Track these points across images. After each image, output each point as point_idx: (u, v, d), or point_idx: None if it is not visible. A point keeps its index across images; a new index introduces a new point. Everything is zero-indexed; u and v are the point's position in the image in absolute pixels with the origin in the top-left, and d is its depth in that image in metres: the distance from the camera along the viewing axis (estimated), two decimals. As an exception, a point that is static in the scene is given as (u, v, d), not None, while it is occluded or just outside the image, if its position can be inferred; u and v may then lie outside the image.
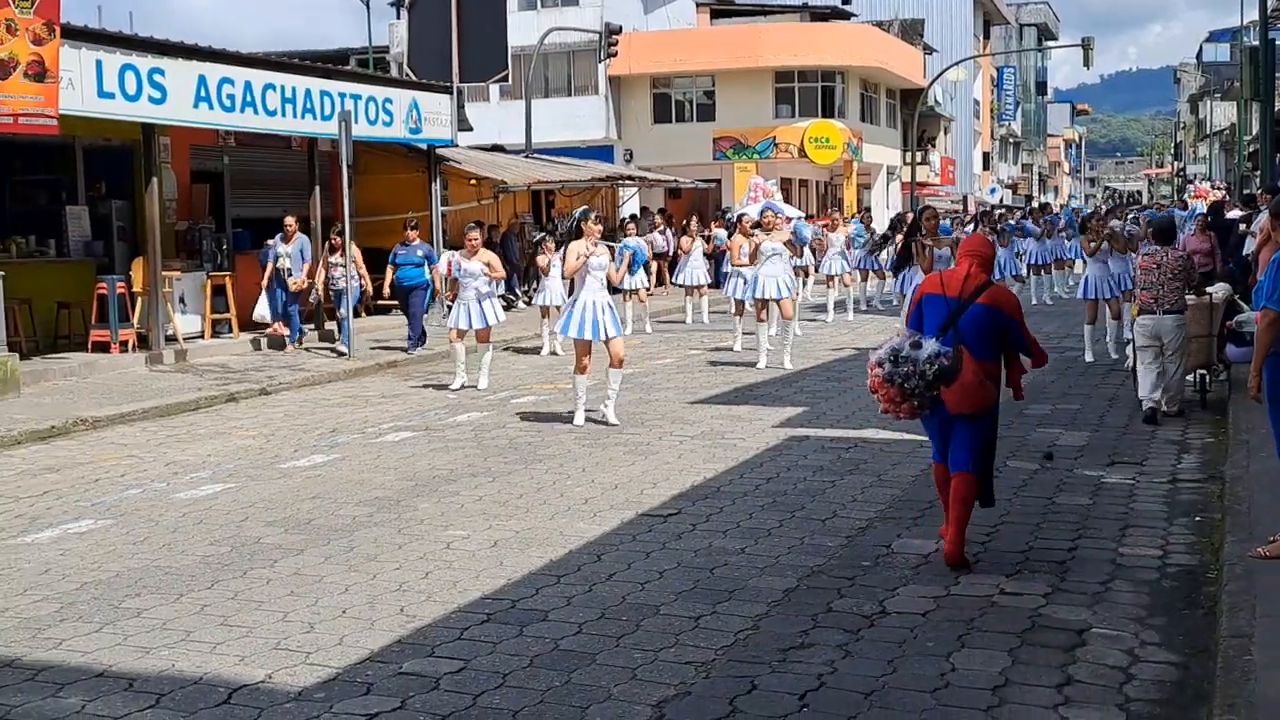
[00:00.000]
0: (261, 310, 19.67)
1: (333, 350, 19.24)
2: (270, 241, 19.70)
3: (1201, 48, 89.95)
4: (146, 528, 8.87)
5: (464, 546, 8.11)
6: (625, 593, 7.02)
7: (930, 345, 7.26)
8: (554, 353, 19.14)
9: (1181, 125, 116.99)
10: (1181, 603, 6.71)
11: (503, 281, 19.16)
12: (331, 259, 19.29)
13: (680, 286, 25.80)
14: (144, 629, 6.62)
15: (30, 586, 7.47)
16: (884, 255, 25.24)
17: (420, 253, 18.81)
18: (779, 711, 5.38)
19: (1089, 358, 16.71)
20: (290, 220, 19.70)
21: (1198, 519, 8.43)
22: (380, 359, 18.28)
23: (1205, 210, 24.12)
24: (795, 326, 20.58)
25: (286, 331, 19.70)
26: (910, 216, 19.73)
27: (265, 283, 19.50)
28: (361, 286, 19.38)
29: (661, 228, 31.83)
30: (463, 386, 15.56)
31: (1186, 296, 12.19)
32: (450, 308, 17.22)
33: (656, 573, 7.40)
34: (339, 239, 19.05)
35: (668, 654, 6.06)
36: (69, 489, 10.31)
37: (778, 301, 16.93)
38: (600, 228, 13.08)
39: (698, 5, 50.14)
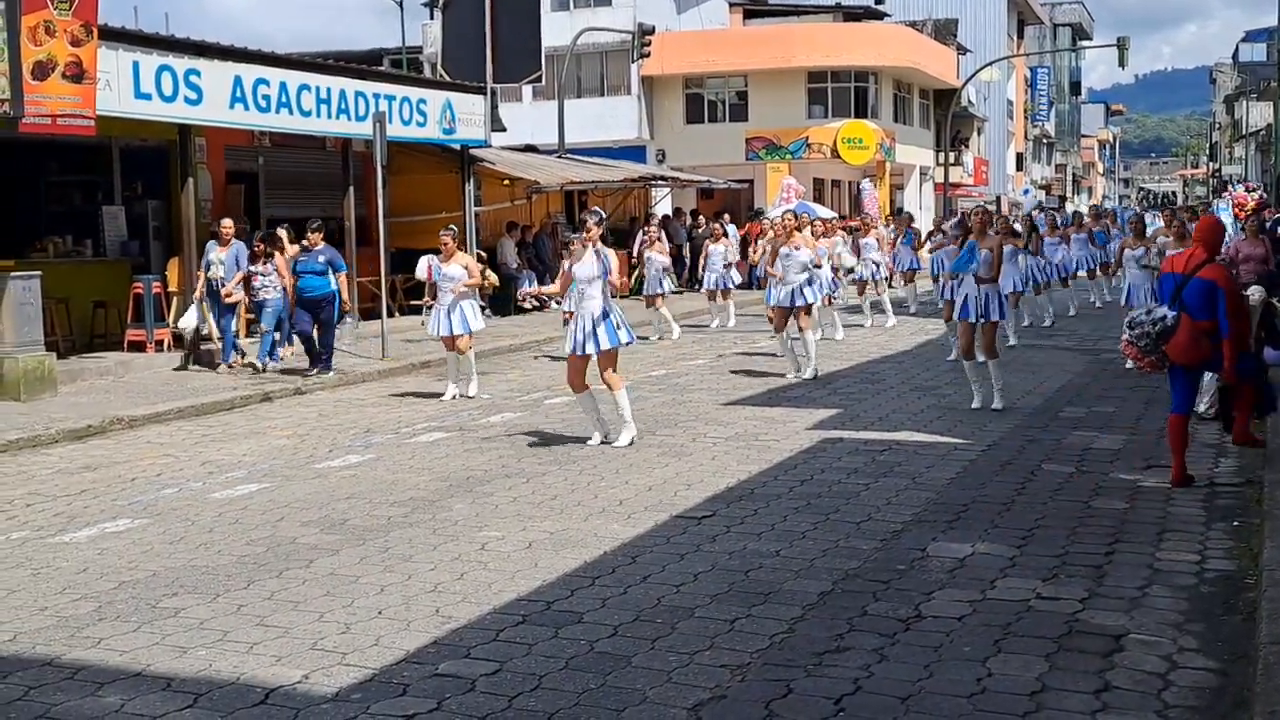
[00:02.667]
0: (186, 322, 17.35)
1: (252, 366, 17.13)
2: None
3: (1238, 47, 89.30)
4: (183, 527, 8.92)
5: (499, 548, 8.13)
6: (660, 595, 7.02)
7: (1159, 311, 9.23)
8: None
9: (1217, 125, 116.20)
10: (1220, 608, 6.66)
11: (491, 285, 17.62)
12: (253, 267, 17.01)
13: (701, 290, 25.06)
14: (181, 628, 6.65)
15: (68, 585, 7.52)
16: (925, 254, 24.73)
17: (322, 259, 16.20)
18: (814, 716, 5.37)
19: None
20: (227, 223, 17.57)
21: (1236, 524, 8.37)
22: (414, 359, 18.32)
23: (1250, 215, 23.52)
24: (815, 332, 20.34)
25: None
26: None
27: (198, 294, 17.35)
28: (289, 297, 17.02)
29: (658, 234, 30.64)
30: (455, 396, 14.92)
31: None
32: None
33: (691, 575, 7.39)
34: (262, 244, 17.12)
35: (703, 657, 6.05)
36: (106, 488, 10.38)
37: (796, 310, 15.95)
38: (598, 231, 11.77)
39: (730, 5, 50.06)
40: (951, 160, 51.45)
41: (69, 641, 6.49)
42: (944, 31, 55.83)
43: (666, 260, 22.47)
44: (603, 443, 11.66)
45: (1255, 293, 13.10)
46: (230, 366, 17.25)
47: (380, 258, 19.05)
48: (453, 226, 15.45)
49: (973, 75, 51.97)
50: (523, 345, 20.34)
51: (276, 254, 17.06)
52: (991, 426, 12.18)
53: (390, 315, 18.88)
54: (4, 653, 6.34)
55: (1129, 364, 10.10)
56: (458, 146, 24.49)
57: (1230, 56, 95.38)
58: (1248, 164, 79.75)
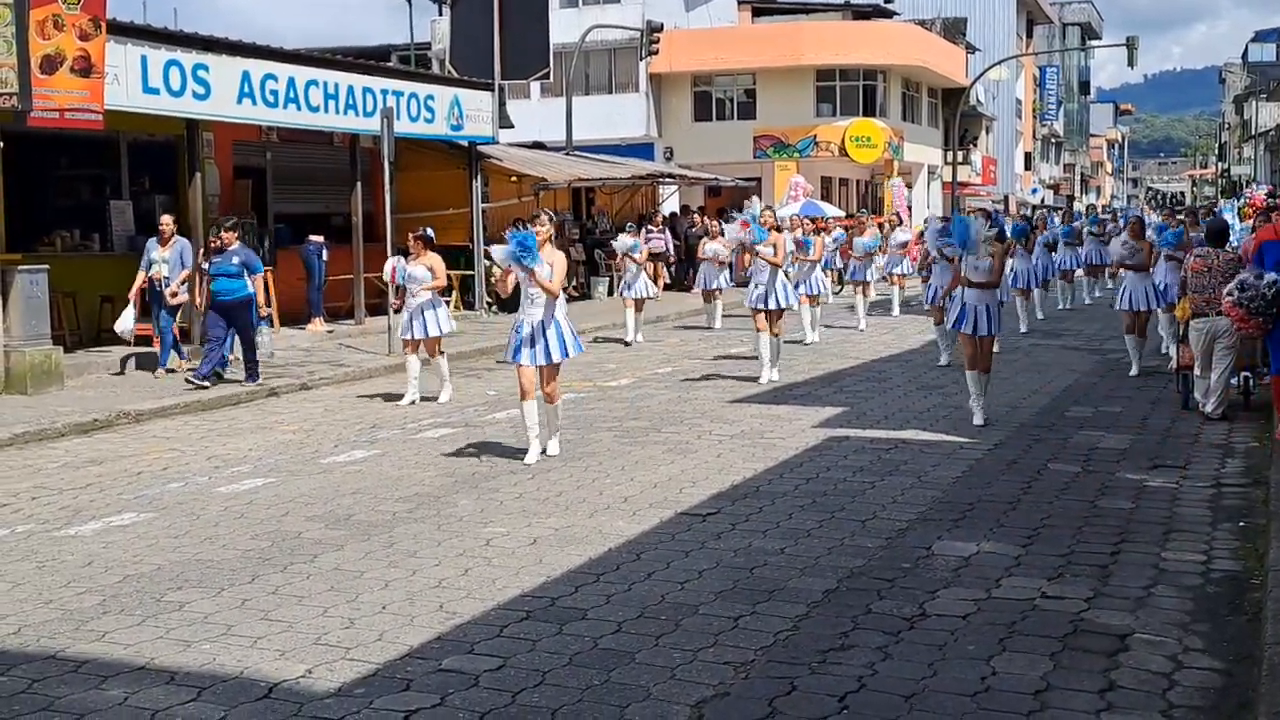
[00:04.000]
0: (124, 324, 16.29)
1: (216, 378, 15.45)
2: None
3: (1247, 47, 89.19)
4: (188, 521, 8.93)
5: (503, 544, 8.12)
6: (664, 592, 7.01)
7: (1270, 275, 9.84)
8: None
9: (1226, 126, 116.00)
10: (1225, 609, 6.65)
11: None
12: (206, 265, 15.83)
13: (700, 291, 24.27)
14: (185, 622, 6.66)
15: (73, 579, 7.53)
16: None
17: (236, 260, 15.16)
18: (818, 713, 5.36)
19: (1135, 370, 15.74)
20: (167, 219, 16.61)
21: (1242, 524, 8.35)
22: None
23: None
24: (814, 334, 20.03)
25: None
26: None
27: (134, 294, 16.43)
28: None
29: (660, 228, 31.00)
30: (414, 402, 14.30)
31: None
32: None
33: (696, 572, 7.39)
34: (216, 240, 15.75)
35: (707, 654, 6.05)
36: (111, 482, 10.39)
37: (767, 311, 15.24)
38: (548, 230, 10.86)
39: (739, 3, 50.01)
40: (960, 159, 51.40)
41: (73, 635, 6.49)
42: (953, 30, 55.75)
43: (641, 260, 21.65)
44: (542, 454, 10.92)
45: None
46: (170, 370, 16.24)
47: (387, 254, 19.01)
48: (425, 229, 14.91)
49: (981, 74, 51.92)
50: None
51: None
52: (998, 425, 12.16)
53: (397, 312, 18.83)
54: (9, 645, 6.35)
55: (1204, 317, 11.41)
56: (465, 143, 24.50)
57: (1240, 56, 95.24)
58: (1257, 164, 79.62)
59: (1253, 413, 12.51)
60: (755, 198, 15.30)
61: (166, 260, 16.33)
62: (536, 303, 10.72)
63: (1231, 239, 14.61)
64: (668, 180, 35.67)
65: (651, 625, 6.46)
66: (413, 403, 14.30)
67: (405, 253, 14.96)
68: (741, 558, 7.68)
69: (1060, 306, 25.63)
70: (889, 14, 52.15)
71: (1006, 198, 65.80)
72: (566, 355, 10.87)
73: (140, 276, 16.35)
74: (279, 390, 15.41)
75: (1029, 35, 73.72)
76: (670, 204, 37.73)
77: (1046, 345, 19.33)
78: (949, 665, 5.87)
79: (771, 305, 15.23)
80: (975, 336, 12.35)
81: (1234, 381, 12.61)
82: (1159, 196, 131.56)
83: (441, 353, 14.62)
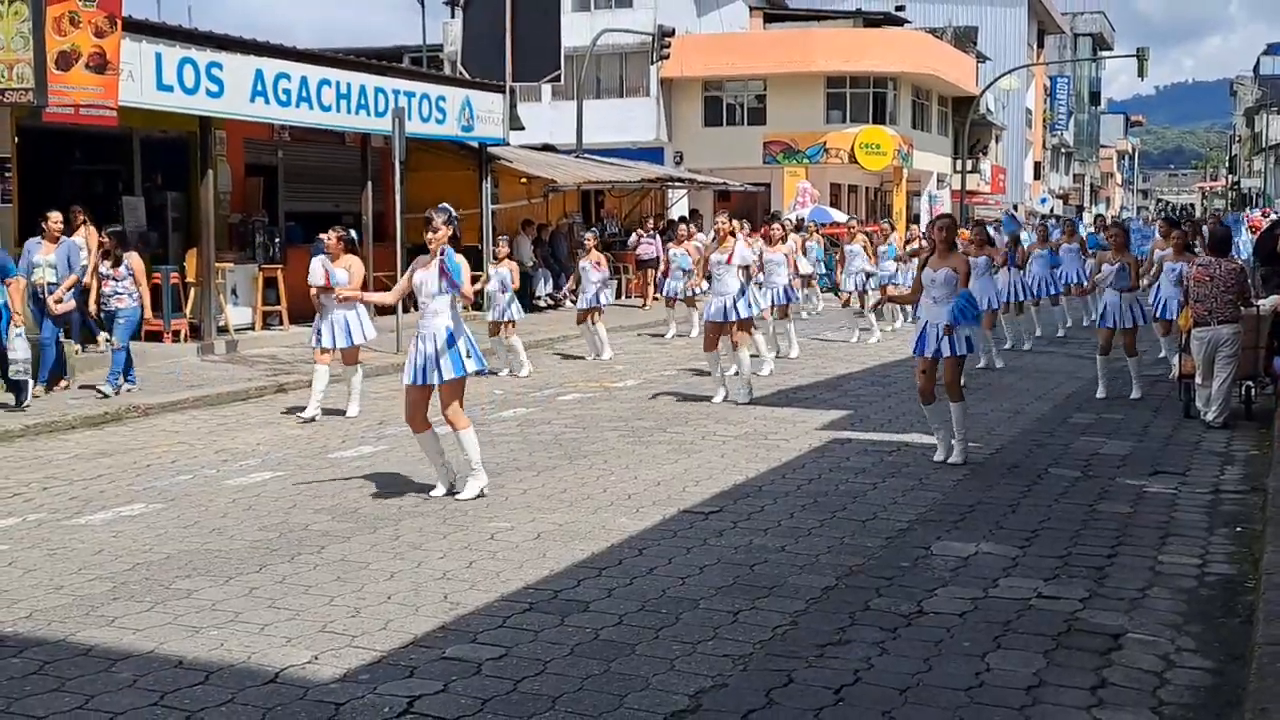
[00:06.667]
0: (19, 354, 13.40)
1: (99, 392, 13.80)
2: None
3: (1259, 60, 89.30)
4: (197, 512, 9.04)
5: (507, 538, 8.22)
6: (665, 586, 7.10)
7: None
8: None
9: (1237, 138, 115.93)
10: (1219, 611, 6.73)
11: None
12: (104, 269, 14.24)
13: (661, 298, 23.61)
14: (194, 609, 6.76)
15: (84, 566, 7.63)
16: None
17: None
18: (814, 705, 5.45)
19: (1101, 393, 14.47)
20: (55, 217, 14.95)
21: (1239, 530, 8.42)
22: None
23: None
24: (774, 347, 18.20)
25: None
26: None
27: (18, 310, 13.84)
28: (141, 307, 14.49)
29: (651, 232, 29.81)
30: (314, 418, 13.17)
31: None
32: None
33: (697, 568, 7.48)
34: (110, 238, 14.33)
35: (706, 646, 6.14)
36: (122, 473, 10.50)
37: (727, 325, 14.10)
38: (446, 232, 9.42)
39: (750, 9, 50.11)
40: (969, 168, 51.46)
41: (84, 619, 6.60)
42: (964, 39, 55.83)
43: (605, 273, 19.71)
44: (448, 494, 9.52)
45: (1268, 302, 13.19)
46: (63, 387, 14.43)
47: (397, 253, 19.13)
48: (349, 229, 13.86)
49: (992, 83, 51.98)
50: (538, 343, 20.41)
51: (132, 255, 14.33)
52: (1000, 430, 12.24)
53: (405, 311, 18.94)
54: (21, 629, 6.46)
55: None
56: (476, 144, 24.62)
57: (1251, 69, 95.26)
58: (1267, 177, 79.60)
59: (1254, 421, 12.59)
60: (683, 218, 14.66)
61: (52, 264, 14.63)
62: (434, 312, 9.37)
63: (1240, 250, 14.68)
64: (677, 184, 35.76)
65: (652, 618, 6.55)
66: (314, 419, 13.16)
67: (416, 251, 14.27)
68: (742, 554, 7.77)
69: (1069, 324, 24.07)
70: (900, 22, 52.19)
71: (1015, 207, 65.79)
72: (464, 373, 9.42)
73: (21, 283, 13.70)
74: (287, 386, 15.52)
75: (1040, 45, 73.76)
76: (680, 208, 37.81)
77: (1050, 352, 19.39)
78: (944, 661, 5.95)
79: (714, 315, 14.03)
80: (937, 359, 10.68)
81: (1236, 390, 12.69)
82: (1168, 208, 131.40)
83: (360, 363, 13.76)
